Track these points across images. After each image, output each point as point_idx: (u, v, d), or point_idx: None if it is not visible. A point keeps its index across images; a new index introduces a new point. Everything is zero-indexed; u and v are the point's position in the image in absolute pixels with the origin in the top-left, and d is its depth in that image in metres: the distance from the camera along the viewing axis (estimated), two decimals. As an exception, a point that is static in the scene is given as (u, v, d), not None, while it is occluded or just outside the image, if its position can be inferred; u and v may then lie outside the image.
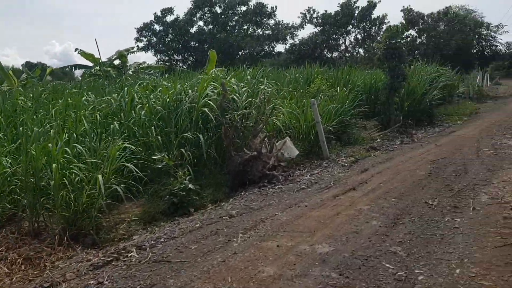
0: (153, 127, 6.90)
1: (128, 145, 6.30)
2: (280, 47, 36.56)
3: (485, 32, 28.54)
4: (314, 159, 9.32)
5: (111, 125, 6.90)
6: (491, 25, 28.16)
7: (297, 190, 6.86)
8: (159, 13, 30.60)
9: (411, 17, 27.55)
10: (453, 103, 19.10)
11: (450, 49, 26.74)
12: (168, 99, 7.53)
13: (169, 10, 29.99)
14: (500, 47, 30.24)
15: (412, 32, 28.44)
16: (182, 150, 6.74)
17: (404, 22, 28.10)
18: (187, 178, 6.41)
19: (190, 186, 6.35)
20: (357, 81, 13.86)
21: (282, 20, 29.18)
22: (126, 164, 5.93)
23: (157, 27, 30.70)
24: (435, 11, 27.98)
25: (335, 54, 31.46)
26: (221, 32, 25.54)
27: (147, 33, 31.02)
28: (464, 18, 28.01)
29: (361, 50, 30.05)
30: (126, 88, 8.31)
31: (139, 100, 8.01)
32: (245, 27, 27.70)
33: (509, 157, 8.31)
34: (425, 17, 27.83)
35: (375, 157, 9.26)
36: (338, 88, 12.50)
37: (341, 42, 30.13)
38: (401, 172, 7.55)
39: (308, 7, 29.07)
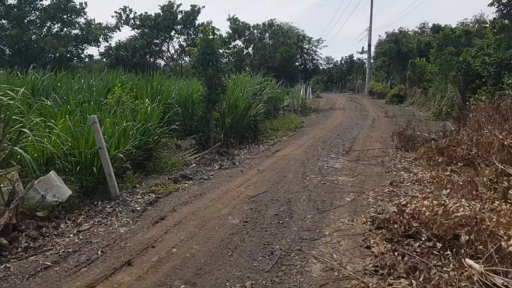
0: None
1: None
2: (93, 50, 32.59)
3: (307, 46, 29.50)
4: (98, 199, 6.63)
5: None
6: (312, 39, 29.30)
7: (33, 272, 4.08)
8: None
9: (237, 27, 26.75)
10: (278, 116, 18.34)
11: (276, 61, 26.70)
12: None
13: None
14: (321, 61, 31.79)
15: (238, 42, 27.74)
16: None
17: (230, 31, 27.24)
18: None
19: None
20: (171, 92, 11.58)
21: (94, 19, 25.52)
22: None
23: None
24: (261, 23, 27.90)
25: (161, 62, 29.19)
26: (14, 28, 20.59)
27: None
28: (287, 31, 28.48)
29: (187, 58, 28.17)
30: None
31: None
32: (48, 24, 23.12)
33: (338, 187, 6.89)
34: (251, 28, 27.38)
35: (183, 192, 7.00)
36: (146, 100, 10.02)
37: (164, 49, 27.84)
38: (209, 220, 5.39)
39: (124, 6, 26.02)
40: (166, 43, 27.50)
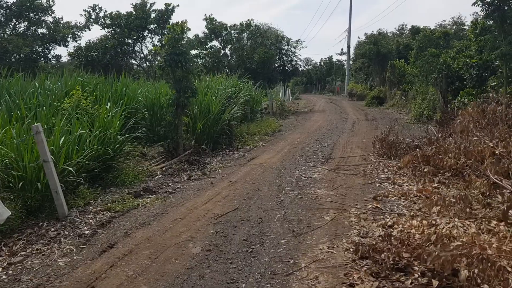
0: None
1: None
2: (62, 51, 31.21)
3: (286, 47, 28.79)
4: (44, 219, 5.78)
5: None
6: (291, 40, 28.64)
7: None
8: None
9: (214, 27, 25.88)
10: (256, 120, 17.61)
11: (254, 62, 25.97)
12: None
13: None
14: (300, 63, 31.11)
15: (215, 43, 26.88)
16: None
17: (207, 31, 26.39)
18: None
19: None
20: (138, 95, 10.73)
21: (62, 18, 24.24)
22: None
23: None
24: (238, 23, 27.11)
25: (134, 63, 27.90)
26: (-25, 27, 19.32)
27: None
28: (266, 31, 27.74)
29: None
30: None
31: None
32: (13, 23, 21.72)
33: (316, 203, 6.19)
34: (228, 28, 26.56)
35: (142, 210, 6.19)
36: (108, 104, 9.16)
37: (138, 49, 26.70)
38: (166, 248, 4.61)
39: (94, 4, 24.60)
40: (139, 43, 26.44)
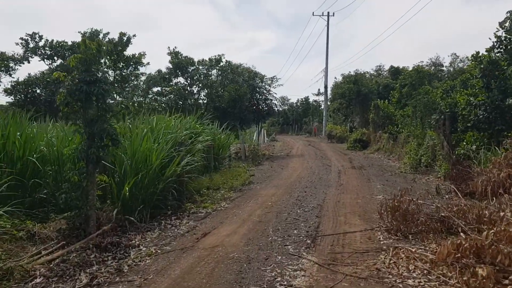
0: None
1: None
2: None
3: (260, 84, 26.03)
4: None
5: None
6: (266, 77, 25.85)
7: None
8: None
9: (179, 61, 23.08)
10: (222, 168, 14.49)
11: (224, 101, 23.11)
12: None
13: None
14: (275, 102, 28.16)
15: (181, 79, 23.97)
16: None
17: (171, 66, 23.54)
18: None
19: None
20: (41, 144, 7.49)
21: (-6, 48, 21.11)
22: None
23: None
24: (207, 58, 24.45)
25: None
26: None
27: None
28: (237, 68, 25.10)
29: (116, 96, 23.60)
30: None
31: None
32: None
33: None
34: (196, 64, 23.82)
35: None
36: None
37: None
38: None
39: (33, 32, 21.32)
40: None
